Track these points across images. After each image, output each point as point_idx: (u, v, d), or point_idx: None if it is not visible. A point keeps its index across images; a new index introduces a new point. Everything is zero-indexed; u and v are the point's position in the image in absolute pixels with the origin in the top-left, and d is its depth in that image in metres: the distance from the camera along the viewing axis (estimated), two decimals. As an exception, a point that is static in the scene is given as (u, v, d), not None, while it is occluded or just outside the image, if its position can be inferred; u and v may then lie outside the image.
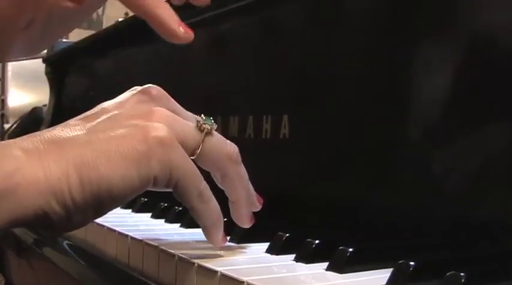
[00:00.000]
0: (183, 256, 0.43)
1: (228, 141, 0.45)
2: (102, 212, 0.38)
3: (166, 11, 0.41)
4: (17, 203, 0.34)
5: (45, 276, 0.70)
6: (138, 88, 0.42)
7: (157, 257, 0.46)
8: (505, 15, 0.46)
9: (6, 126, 2.17)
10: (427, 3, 0.52)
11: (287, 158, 0.64)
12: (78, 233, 0.62)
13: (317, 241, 0.44)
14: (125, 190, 0.37)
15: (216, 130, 0.44)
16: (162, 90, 0.42)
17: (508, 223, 0.44)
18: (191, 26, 0.41)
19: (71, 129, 0.38)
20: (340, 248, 0.42)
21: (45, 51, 1.33)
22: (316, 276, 0.40)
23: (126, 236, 0.52)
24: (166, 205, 0.64)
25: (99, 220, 0.57)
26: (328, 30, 0.61)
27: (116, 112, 0.40)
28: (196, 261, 0.42)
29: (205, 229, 0.43)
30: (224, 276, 0.39)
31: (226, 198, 0.46)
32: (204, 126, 0.42)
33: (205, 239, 0.44)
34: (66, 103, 1.31)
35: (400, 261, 0.38)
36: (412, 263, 0.37)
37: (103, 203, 0.37)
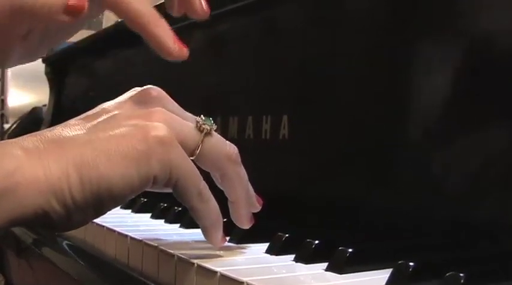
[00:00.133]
0: (183, 256, 0.43)
1: (227, 141, 0.45)
2: (102, 211, 0.38)
3: (163, 29, 0.41)
4: (17, 202, 0.34)
5: (45, 276, 0.70)
6: (138, 89, 0.43)
7: (157, 257, 0.46)
8: (505, 15, 0.46)
9: (6, 126, 2.17)
10: (426, 4, 0.52)
11: (287, 159, 0.64)
12: (78, 234, 0.62)
13: (317, 241, 0.44)
14: (124, 189, 0.37)
15: (215, 130, 0.44)
16: (162, 91, 0.42)
17: (508, 223, 0.44)
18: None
19: (71, 128, 0.38)
20: (340, 248, 0.42)
21: (45, 51, 1.33)
22: (316, 276, 0.40)
23: (126, 236, 0.52)
24: (166, 205, 0.64)
25: (98, 220, 0.57)
26: (328, 30, 0.61)
27: (115, 112, 0.40)
28: (195, 261, 0.42)
29: (204, 229, 0.43)
30: (224, 277, 0.39)
31: (226, 199, 0.46)
32: (203, 126, 0.43)
33: (205, 239, 0.44)
34: (66, 103, 1.31)
35: (400, 262, 0.38)
36: (411, 263, 0.37)
37: (103, 202, 0.37)
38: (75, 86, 1.29)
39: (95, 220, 0.56)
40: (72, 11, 0.38)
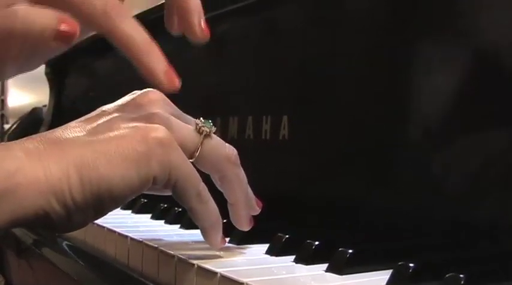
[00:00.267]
0: (183, 257, 0.43)
1: (226, 143, 0.45)
2: (102, 212, 0.38)
3: (155, 58, 0.39)
4: (17, 203, 0.34)
5: (45, 276, 0.70)
6: (138, 92, 0.43)
7: (157, 258, 0.46)
8: (505, 15, 0.46)
9: (6, 127, 2.17)
10: (426, 3, 0.52)
11: (287, 159, 0.64)
12: (78, 234, 0.62)
13: (317, 242, 0.44)
14: (124, 190, 0.37)
15: (215, 132, 0.44)
16: (162, 93, 0.42)
17: (508, 223, 0.44)
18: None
19: (71, 130, 0.38)
20: (340, 249, 0.42)
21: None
22: (316, 277, 0.40)
23: (126, 237, 0.52)
24: (166, 206, 0.64)
25: (99, 221, 0.57)
26: (328, 31, 0.61)
27: (115, 114, 0.40)
28: (196, 262, 0.42)
29: (203, 230, 0.43)
30: (224, 278, 0.39)
31: (226, 201, 0.46)
32: (202, 128, 0.43)
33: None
34: (66, 104, 1.31)
35: (400, 263, 0.38)
36: (411, 264, 0.37)
37: (103, 203, 0.37)
38: (75, 86, 1.29)
39: (95, 221, 0.56)
40: (63, 38, 0.38)
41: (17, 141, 0.37)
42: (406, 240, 0.49)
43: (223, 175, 0.44)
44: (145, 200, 0.69)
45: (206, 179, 0.43)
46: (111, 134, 0.38)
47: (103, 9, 0.38)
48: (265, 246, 0.47)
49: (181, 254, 0.44)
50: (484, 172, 0.46)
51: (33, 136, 0.38)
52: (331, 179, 0.59)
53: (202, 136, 0.43)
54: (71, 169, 0.35)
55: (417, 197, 0.50)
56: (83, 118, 0.40)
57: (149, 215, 0.65)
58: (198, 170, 0.42)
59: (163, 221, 0.62)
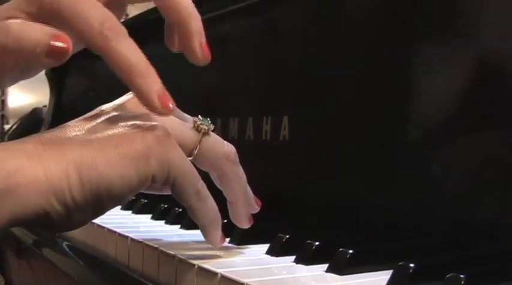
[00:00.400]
0: (183, 257, 0.43)
1: (225, 141, 0.45)
2: (101, 211, 0.38)
3: (149, 82, 0.38)
4: (17, 202, 0.34)
5: (45, 276, 0.70)
6: None
7: (157, 258, 0.46)
8: (505, 15, 0.46)
9: (6, 127, 2.17)
10: (426, 3, 0.52)
11: (287, 160, 0.64)
12: (78, 234, 0.62)
13: (317, 243, 0.44)
14: (123, 188, 0.37)
15: (213, 130, 0.44)
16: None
17: (508, 223, 0.44)
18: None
19: (71, 130, 0.38)
20: (340, 249, 0.42)
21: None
22: (316, 277, 0.40)
23: (127, 237, 0.52)
24: (166, 206, 0.64)
25: (99, 221, 0.57)
26: (328, 31, 0.61)
27: (114, 113, 0.40)
28: (196, 262, 0.42)
29: (203, 228, 0.43)
30: (224, 278, 0.39)
31: (225, 199, 0.46)
32: (201, 126, 0.43)
33: (205, 240, 0.44)
34: (66, 104, 1.31)
35: (400, 263, 0.38)
36: (412, 264, 0.37)
37: (102, 202, 0.37)
38: (75, 87, 1.29)
39: (95, 221, 0.56)
40: (55, 54, 0.37)
41: (17, 141, 0.37)
42: (406, 240, 0.49)
43: (222, 173, 0.44)
44: (146, 201, 0.69)
45: (205, 177, 0.43)
46: (110, 133, 0.38)
47: (100, 29, 0.37)
48: (265, 247, 0.47)
49: (181, 255, 0.44)
50: (484, 172, 0.46)
51: (33, 135, 0.38)
52: (331, 179, 0.59)
53: (201, 134, 0.43)
54: (71, 168, 0.36)
55: (417, 197, 0.50)
56: (81, 117, 0.40)
57: (149, 216, 0.65)
58: (197, 169, 0.42)
59: (163, 222, 0.62)
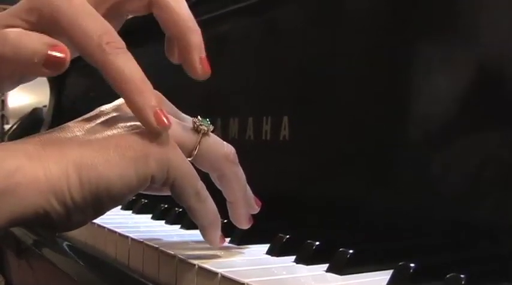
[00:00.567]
0: (183, 257, 0.43)
1: (224, 142, 0.45)
2: (101, 211, 0.38)
3: (146, 98, 0.38)
4: (17, 202, 0.34)
5: (45, 276, 0.70)
6: None
7: (158, 258, 0.46)
8: (505, 15, 0.46)
9: (7, 127, 2.17)
10: (426, 3, 0.52)
11: (287, 160, 0.64)
12: (79, 235, 0.62)
13: (317, 243, 0.44)
14: (123, 189, 0.37)
15: (212, 131, 0.44)
16: (159, 93, 0.42)
17: (508, 223, 0.44)
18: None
19: (70, 130, 0.38)
20: (340, 249, 0.42)
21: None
22: (316, 277, 0.40)
23: (127, 237, 0.52)
24: (166, 206, 0.64)
25: (99, 221, 0.57)
26: (328, 31, 0.61)
27: (114, 114, 0.40)
28: (196, 262, 0.42)
29: (202, 228, 0.43)
30: (224, 278, 0.39)
31: (225, 199, 0.46)
32: (200, 127, 0.43)
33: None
34: (67, 104, 1.31)
35: (400, 263, 0.38)
36: (412, 264, 0.37)
37: (102, 202, 0.37)
38: (76, 87, 1.29)
39: (95, 221, 0.56)
40: (53, 64, 0.37)
41: (17, 141, 0.37)
42: (406, 240, 0.49)
43: (222, 173, 0.44)
44: (146, 201, 0.69)
45: (205, 178, 0.43)
46: (110, 133, 0.38)
47: (98, 41, 0.37)
48: (265, 247, 0.47)
49: (181, 255, 0.44)
50: (484, 172, 0.46)
51: (33, 136, 0.38)
52: (331, 179, 0.59)
53: (200, 134, 0.43)
54: (70, 168, 0.36)
55: (417, 197, 0.50)
56: (81, 118, 0.40)
57: (150, 216, 0.65)
58: (197, 169, 0.42)
59: (163, 222, 0.62)
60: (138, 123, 0.39)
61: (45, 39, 0.37)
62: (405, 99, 0.53)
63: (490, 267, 0.40)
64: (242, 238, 0.49)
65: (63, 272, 0.59)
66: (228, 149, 0.45)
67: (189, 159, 0.42)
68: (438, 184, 0.49)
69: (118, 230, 0.54)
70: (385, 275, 0.39)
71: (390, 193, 0.53)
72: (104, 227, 0.57)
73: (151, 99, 0.38)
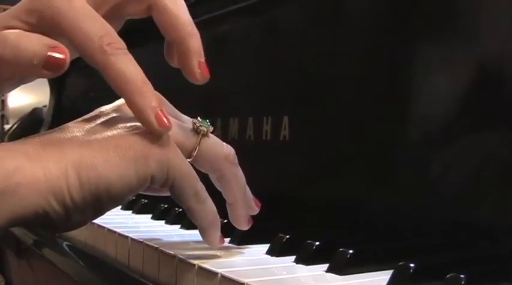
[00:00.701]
0: (183, 257, 0.43)
1: (224, 143, 0.45)
2: (101, 211, 0.38)
3: (146, 99, 0.38)
4: (17, 202, 0.34)
5: (45, 276, 0.70)
6: None
7: (158, 258, 0.46)
8: (505, 15, 0.46)
9: (7, 127, 2.17)
10: (426, 3, 0.52)
11: (287, 160, 0.64)
12: (78, 235, 0.62)
13: (317, 243, 0.44)
14: (122, 189, 0.37)
15: (212, 132, 0.44)
16: (159, 94, 0.42)
17: (508, 223, 0.44)
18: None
19: (70, 130, 0.39)
20: (340, 249, 0.42)
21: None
22: (316, 277, 0.40)
23: (127, 237, 0.52)
24: (166, 206, 0.64)
25: (99, 222, 0.57)
26: (328, 31, 0.61)
27: (113, 114, 0.41)
28: (196, 262, 0.42)
29: (202, 229, 0.43)
30: (224, 278, 0.39)
31: (225, 200, 0.46)
32: (200, 128, 0.43)
33: (205, 241, 0.44)
34: (67, 104, 1.31)
35: (400, 263, 0.38)
36: (412, 264, 0.37)
37: (101, 202, 0.37)
38: (76, 87, 1.29)
39: (95, 221, 0.56)
40: (52, 66, 0.37)
41: (16, 141, 0.37)
42: (406, 240, 0.49)
43: (222, 174, 0.44)
44: (146, 201, 0.69)
45: (204, 178, 0.43)
46: (110, 134, 0.38)
47: (99, 43, 0.37)
48: (265, 247, 0.47)
49: (181, 255, 0.44)
50: (484, 172, 0.46)
51: (32, 136, 0.38)
52: (331, 179, 0.59)
53: (200, 135, 0.43)
54: (70, 168, 0.36)
55: (417, 197, 0.50)
56: (81, 118, 0.41)
57: (150, 216, 0.65)
58: (196, 170, 0.42)
59: (163, 222, 0.62)
60: (138, 124, 0.39)
61: (45, 40, 0.37)
62: (405, 99, 0.53)
63: (490, 267, 0.40)
64: (242, 238, 0.49)
65: (63, 272, 0.59)
66: (228, 150, 0.45)
67: (188, 160, 0.42)
68: (438, 184, 0.49)
69: (118, 230, 0.54)
70: (385, 275, 0.39)
71: (390, 193, 0.53)
72: (104, 227, 0.57)
73: (152, 99, 0.38)
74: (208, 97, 0.77)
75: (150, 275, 0.47)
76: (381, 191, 0.54)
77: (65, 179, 0.35)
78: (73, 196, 0.36)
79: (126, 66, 0.38)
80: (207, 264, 0.41)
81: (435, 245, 0.47)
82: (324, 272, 0.41)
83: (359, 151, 0.56)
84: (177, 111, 0.45)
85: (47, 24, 0.38)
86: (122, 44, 0.38)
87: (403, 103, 0.53)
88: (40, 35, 0.37)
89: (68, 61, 0.37)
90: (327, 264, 0.42)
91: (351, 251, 0.41)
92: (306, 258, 0.43)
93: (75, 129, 0.39)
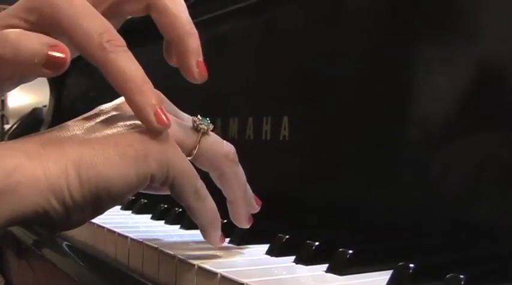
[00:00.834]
0: (183, 257, 0.43)
1: (224, 141, 0.45)
2: (100, 210, 0.38)
3: (146, 97, 0.38)
4: (17, 201, 0.34)
5: (45, 276, 0.70)
6: None
7: (157, 258, 0.46)
8: (505, 15, 0.46)
9: (7, 127, 2.17)
10: (426, 3, 0.52)
11: (287, 160, 0.64)
12: (78, 235, 0.62)
13: (317, 243, 0.44)
14: (122, 188, 0.37)
15: (212, 130, 0.44)
16: (159, 92, 0.42)
17: (508, 223, 0.44)
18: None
19: (70, 129, 0.38)
20: (340, 249, 0.42)
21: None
22: (316, 278, 0.40)
23: (126, 237, 0.52)
24: (166, 206, 0.64)
25: (99, 221, 0.57)
26: (328, 31, 0.61)
27: (113, 113, 0.41)
28: (196, 262, 0.42)
29: (202, 227, 0.43)
30: (224, 278, 0.39)
31: (225, 199, 0.46)
32: (200, 126, 0.43)
33: (205, 240, 0.44)
34: (66, 104, 1.31)
35: (400, 263, 0.38)
36: (412, 264, 0.37)
37: (101, 201, 0.37)
38: (76, 87, 1.29)
39: (95, 221, 0.56)
40: (53, 65, 0.37)
41: (16, 140, 0.37)
42: (406, 240, 0.49)
43: (222, 172, 0.44)
44: (146, 201, 0.69)
45: (205, 177, 0.43)
46: (109, 132, 0.38)
47: (99, 40, 0.37)
48: (265, 247, 0.47)
49: (181, 255, 0.43)
50: (484, 172, 0.46)
51: (32, 135, 0.38)
52: (331, 179, 0.59)
53: (200, 133, 0.43)
54: (70, 167, 0.36)
55: (417, 197, 0.50)
56: (81, 117, 0.40)
57: (149, 216, 0.65)
58: (196, 168, 0.42)
59: (163, 222, 0.62)
60: (138, 122, 0.39)
61: (45, 39, 0.37)
62: (405, 99, 0.53)
63: (490, 267, 0.40)
64: (242, 238, 0.49)
65: (63, 272, 0.59)
66: (228, 148, 0.45)
67: (188, 158, 0.42)
68: (438, 184, 0.49)
69: (118, 230, 0.54)
70: (385, 275, 0.39)
71: (390, 193, 0.53)
72: (104, 227, 0.57)
73: (152, 97, 0.38)
74: (208, 97, 0.77)
75: (150, 275, 0.47)
76: (381, 191, 0.54)
77: (65, 178, 0.35)
78: (73, 195, 0.36)
79: (126, 63, 0.38)
80: (207, 264, 0.41)
81: (435, 245, 0.47)
82: (324, 272, 0.41)
83: (359, 151, 0.56)
84: (177, 109, 0.45)
85: (46, 22, 0.38)
86: (121, 41, 0.38)
87: (403, 103, 0.53)
88: (40, 34, 0.37)
89: (69, 60, 0.37)
90: (327, 265, 0.42)
91: (350, 251, 0.41)
92: (305, 258, 0.43)
93: (75, 127, 0.39)
